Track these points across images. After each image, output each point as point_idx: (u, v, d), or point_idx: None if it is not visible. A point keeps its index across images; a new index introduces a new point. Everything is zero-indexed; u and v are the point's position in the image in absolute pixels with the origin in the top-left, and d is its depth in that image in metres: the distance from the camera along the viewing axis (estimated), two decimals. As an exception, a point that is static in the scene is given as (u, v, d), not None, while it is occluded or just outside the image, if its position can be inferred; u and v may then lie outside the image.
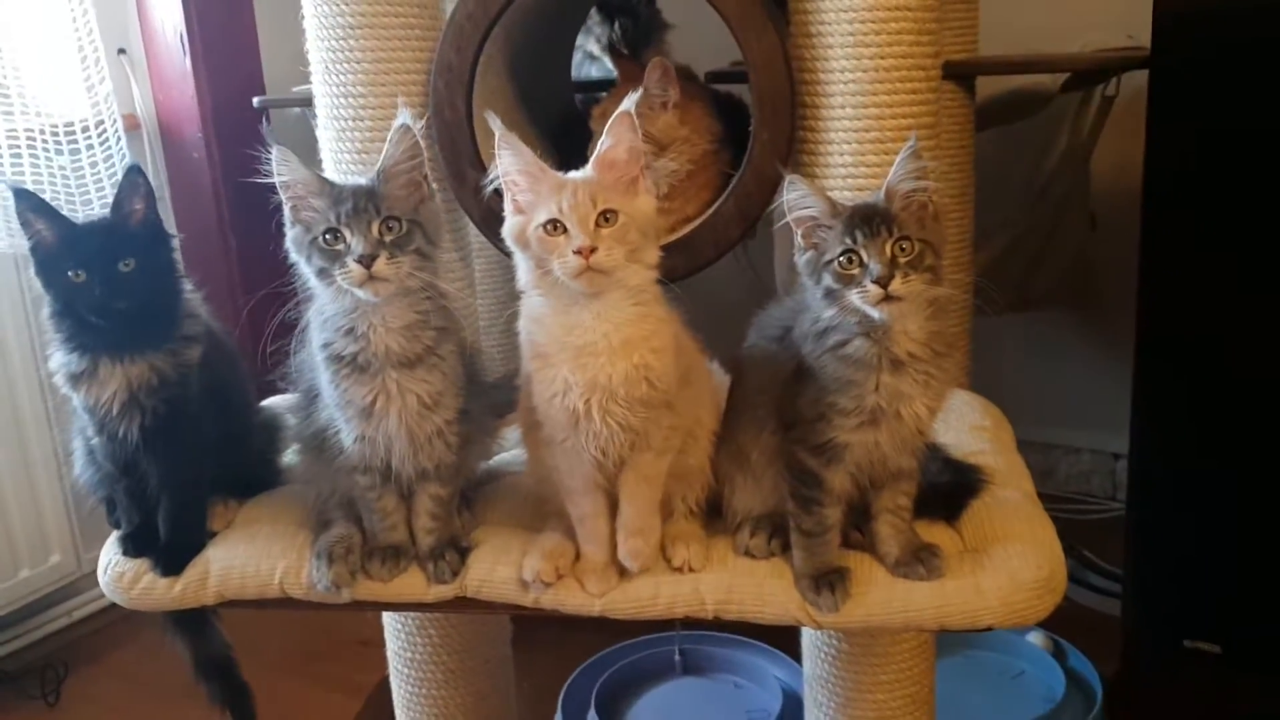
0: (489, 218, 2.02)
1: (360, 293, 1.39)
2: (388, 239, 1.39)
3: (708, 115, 2.06)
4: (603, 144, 1.39)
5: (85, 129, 2.86)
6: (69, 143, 2.83)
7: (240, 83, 3.26)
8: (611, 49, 2.17)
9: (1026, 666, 2.60)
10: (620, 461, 1.42)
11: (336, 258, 1.39)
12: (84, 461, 1.68)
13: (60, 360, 1.54)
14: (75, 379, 1.53)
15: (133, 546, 1.60)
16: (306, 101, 2.77)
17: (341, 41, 1.97)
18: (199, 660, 1.84)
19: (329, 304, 1.44)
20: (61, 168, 2.80)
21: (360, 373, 1.43)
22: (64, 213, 1.53)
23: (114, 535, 1.66)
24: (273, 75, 3.35)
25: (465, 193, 2.02)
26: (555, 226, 1.36)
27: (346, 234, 1.38)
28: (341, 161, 2.03)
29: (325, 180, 1.43)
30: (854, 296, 1.34)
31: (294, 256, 1.46)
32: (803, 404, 1.40)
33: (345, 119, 2.01)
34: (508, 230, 1.43)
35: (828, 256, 1.36)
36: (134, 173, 1.54)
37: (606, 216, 1.35)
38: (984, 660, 2.61)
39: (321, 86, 2.03)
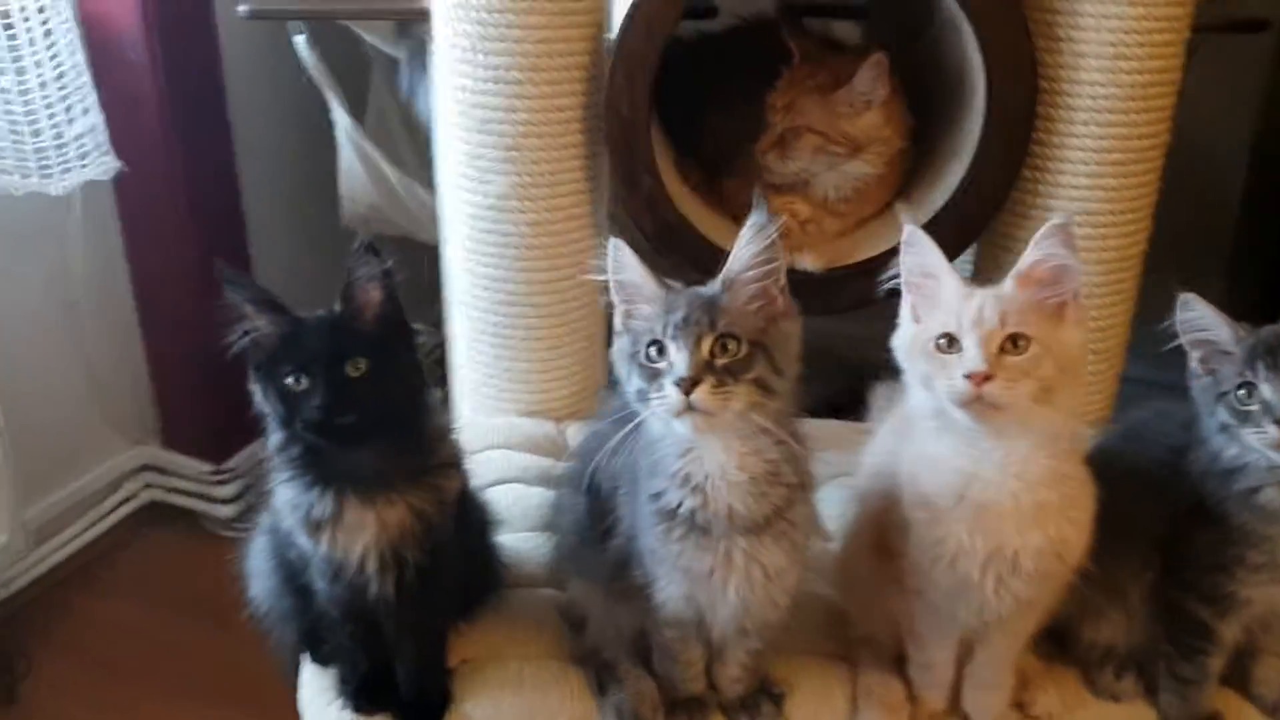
0: (665, 232, 1.74)
1: (677, 424, 1.10)
2: (720, 362, 1.09)
3: (904, 109, 1.80)
4: (1027, 258, 1.14)
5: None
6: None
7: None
8: (787, 22, 1.85)
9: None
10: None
11: (656, 377, 1.11)
12: (270, 585, 1.36)
13: (292, 499, 1.21)
14: (315, 526, 1.20)
15: (368, 702, 1.31)
16: (309, 15, 2.32)
17: (497, 14, 1.60)
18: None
19: (660, 441, 1.16)
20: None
21: (702, 535, 1.16)
22: (286, 304, 1.19)
23: (318, 674, 1.37)
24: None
25: (637, 202, 1.72)
26: (950, 342, 1.13)
27: (671, 349, 1.10)
28: (480, 159, 1.67)
29: (665, 284, 1.15)
30: (1251, 436, 1.18)
31: (618, 373, 1.18)
32: (1199, 550, 1.25)
33: (492, 108, 1.65)
34: (901, 340, 1.19)
35: (1224, 388, 1.21)
36: (366, 251, 1.19)
37: (1016, 341, 1.11)
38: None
39: (459, 65, 1.65)
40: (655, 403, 1.10)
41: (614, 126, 1.67)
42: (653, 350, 1.12)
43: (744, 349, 1.10)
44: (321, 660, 1.37)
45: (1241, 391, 1.19)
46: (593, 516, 1.30)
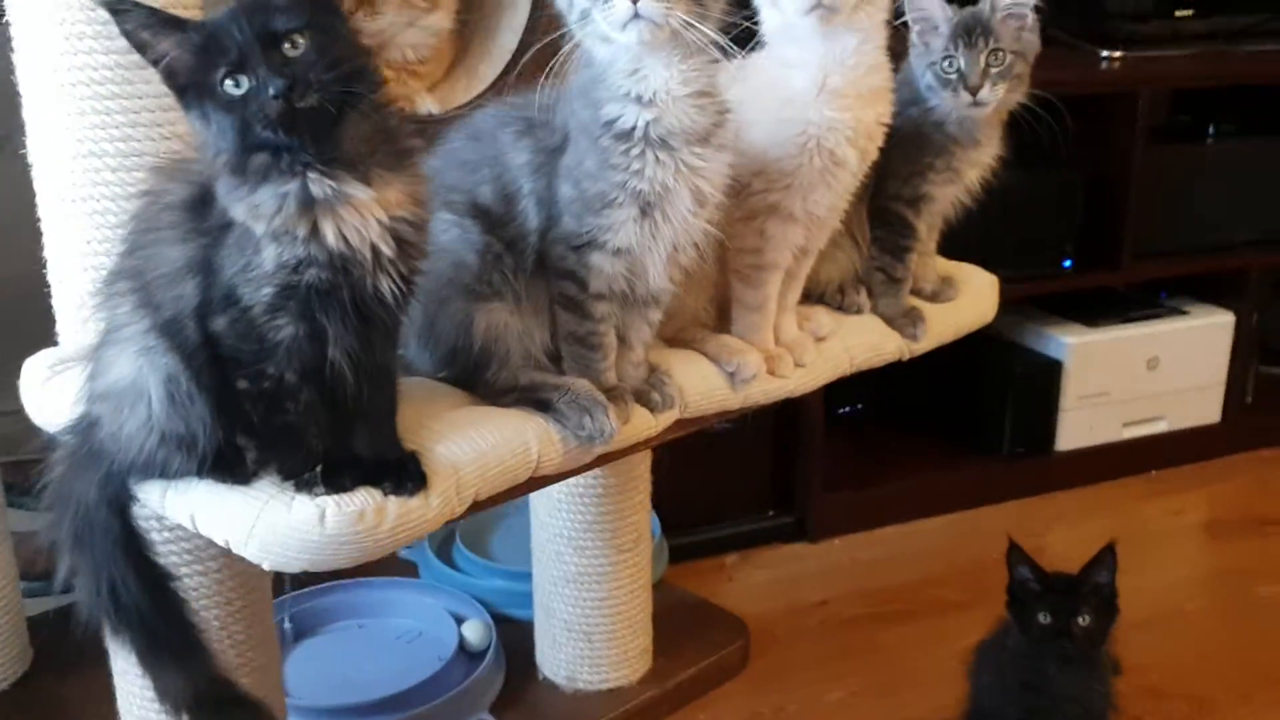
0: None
1: (623, 36, 1.19)
2: None
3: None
4: None
5: None
6: None
7: None
8: None
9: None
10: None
11: None
12: (170, 393, 1.14)
13: (270, 197, 1.06)
14: (311, 218, 1.06)
15: (349, 478, 1.15)
16: None
17: None
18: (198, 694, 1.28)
19: (603, 74, 1.24)
20: None
21: (659, 149, 1.24)
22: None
23: (245, 491, 1.16)
24: None
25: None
26: None
27: None
28: None
29: None
30: (949, 97, 1.61)
31: (561, 10, 1.24)
32: (898, 161, 1.63)
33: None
34: None
35: (931, 58, 1.62)
36: None
37: None
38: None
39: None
40: (601, 16, 1.19)
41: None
42: None
43: None
44: (245, 476, 1.16)
45: (945, 62, 1.60)
46: (494, 230, 1.32)
